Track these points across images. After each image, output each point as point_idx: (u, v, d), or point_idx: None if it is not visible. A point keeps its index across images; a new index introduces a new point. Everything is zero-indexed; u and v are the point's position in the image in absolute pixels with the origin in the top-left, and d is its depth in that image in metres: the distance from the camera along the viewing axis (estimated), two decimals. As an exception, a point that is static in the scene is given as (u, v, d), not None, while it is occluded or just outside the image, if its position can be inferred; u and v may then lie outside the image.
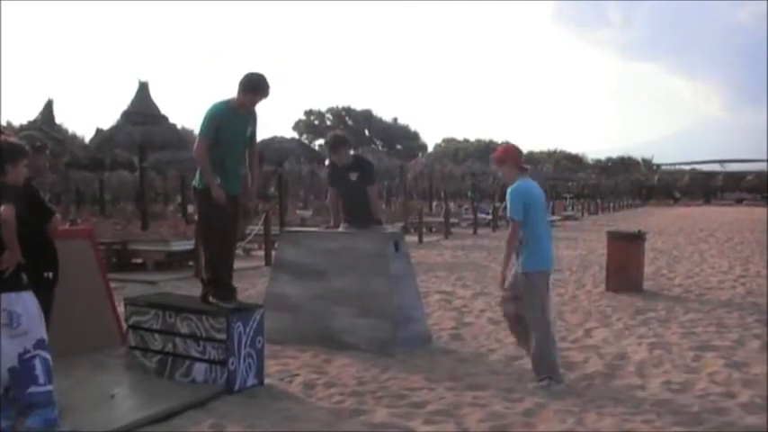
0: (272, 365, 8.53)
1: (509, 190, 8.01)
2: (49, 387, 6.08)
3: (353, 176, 10.06)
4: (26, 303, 6.02)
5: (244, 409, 7.10)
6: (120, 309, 9.79)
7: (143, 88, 21.26)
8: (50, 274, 6.70)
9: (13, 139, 6.71)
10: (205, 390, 7.45)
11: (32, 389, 6.00)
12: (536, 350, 7.88)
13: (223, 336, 7.47)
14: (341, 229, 10.05)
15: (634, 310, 12.75)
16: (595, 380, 8.31)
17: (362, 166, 10.36)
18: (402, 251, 9.84)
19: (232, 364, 7.48)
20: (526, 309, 7.90)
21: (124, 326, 8.93)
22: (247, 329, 7.66)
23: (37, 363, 6.02)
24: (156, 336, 7.96)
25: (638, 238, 15.45)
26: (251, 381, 7.73)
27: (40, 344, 6.07)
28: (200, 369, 7.66)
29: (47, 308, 6.50)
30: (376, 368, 8.63)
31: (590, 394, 7.71)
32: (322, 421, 6.75)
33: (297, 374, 8.37)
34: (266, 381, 7.98)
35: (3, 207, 5.78)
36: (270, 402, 7.33)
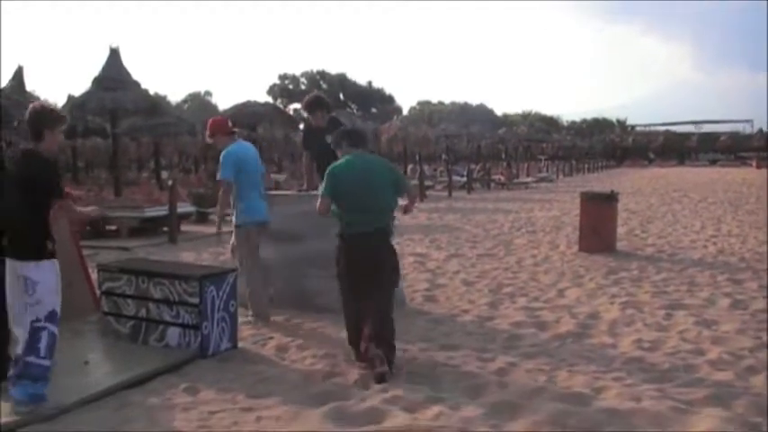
0: (246, 329, 8.57)
1: (222, 153, 9.07)
2: (48, 363, 6.04)
3: (329, 139, 9.86)
4: (44, 273, 6.00)
5: (217, 372, 7.13)
6: (94, 276, 9.78)
7: (114, 54, 21.07)
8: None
9: (51, 104, 6.54)
10: (179, 354, 7.48)
11: (31, 358, 5.96)
12: (249, 291, 9.08)
13: (196, 300, 7.48)
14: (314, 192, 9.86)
15: (607, 270, 12.88)
16: (567, 339, 8.40)
17: (337, 128, 10.16)
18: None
19: (205, 328, 7.50)
20: (238, 255, 9.17)
21: (98, 293, 8.93)
22: (220, 293, 7.67)
23: (44, 335, 5.99)
24: (130, 301, 7.96)
25: (610, 198, 15.53)
26: (224, 344, 7.76)
27: (51, 316, 6.06)
28: (173, 334, 7.68)
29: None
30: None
31: (562, 353, 7.80)
32: (294, 384, 6.78)
33: (270, 337, 8.41)
34: (240, 344, 8.01)
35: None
36: (243, 366, 7.36)
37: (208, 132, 9.43)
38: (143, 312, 7.86)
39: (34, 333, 5.95)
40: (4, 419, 5.82)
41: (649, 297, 10.58)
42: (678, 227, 20.12)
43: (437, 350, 7.89)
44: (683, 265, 13.51)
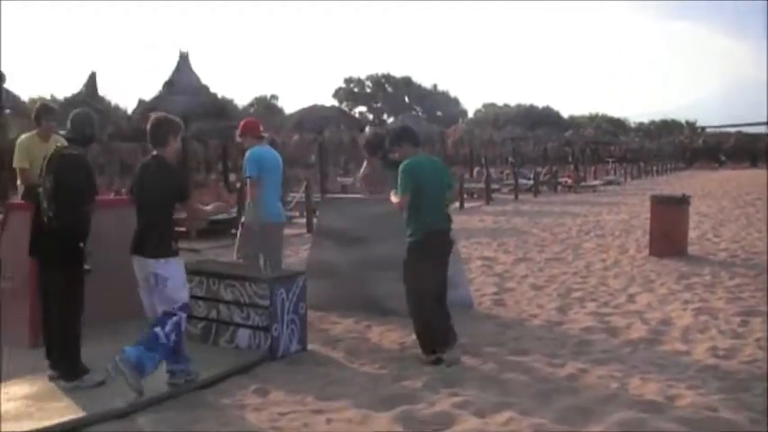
0: (315, 332, 8.57)
1: (247, 153, 9.14)
2: (168, 343, 6.42)
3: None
4: (173, 269, 6.54)
5: (287, 374, 7.16)
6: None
7: (184, 59, 21.35)
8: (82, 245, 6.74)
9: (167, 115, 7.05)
10: (249, 355, 7.53)
11: (157, 329, 6.41)
12: None
13: (266, 302, 7.52)
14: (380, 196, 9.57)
15: (678, 275, 12.65)
16: (639, 345, 8.27)
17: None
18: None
19: (275, 330, 7.54)
20: (244, 251, 9.00)
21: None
22: (290, 296, 7.70)
23: (174, 319, 6.47)
24: (201, 303, 8.03)
25: (682, 201, 15.28)
26: (294, 347, 7.79)
27: (183, 307, 6.61)
28: (243, 335, 7.74)
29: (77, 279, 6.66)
30: (418, 334, 8.64)
31: (633, 360, 7.68)
32: (364, 386, 6.78)
33: (339, 340, 8.42)
34: (309, 347, 8.03)
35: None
36: (313, 368, 7.39)
37: (239, 131, 9.43)
38: (214, 314, 7.94)
39: (165, 315, 6.47)
40: (76, 416, 5.93)
41: (723, 303, 10.36)
42: (752, 230, 19.67)
43: (507, 354, 7.83)
44: (757, 270, 13.21)
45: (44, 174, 6.73)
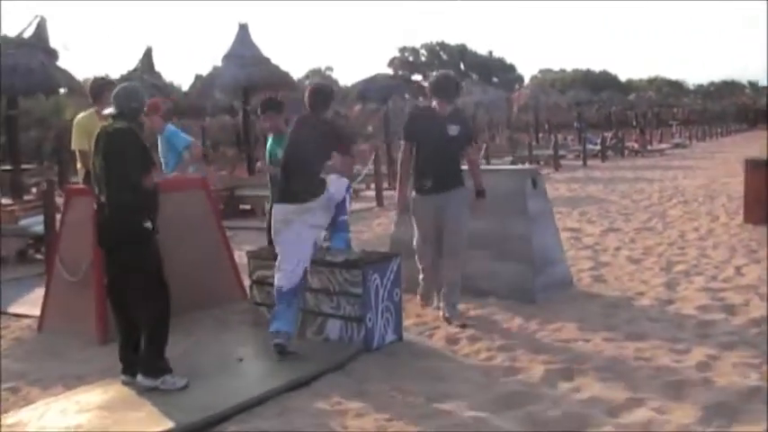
0: (406, 318, 7.78)
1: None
2: (347, 217, 7.51)
3: (453, 130, 7.86)
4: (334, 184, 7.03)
5: (386, 369, 6.47)
6: (238, 260, 9.31)
7: (243, 30, 20.72)
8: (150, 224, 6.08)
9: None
10: (342, 349, 6.84)
11: (342, 217, 7.31)
12: None
13: (359, 290, 6.82)
14: (414, 198, 8.09)
15: (781, 244, 11.78)
16: (763, 325, 7.47)
17: (463, 119, 8.31)
18: (540, 188, 9.09)
19: (369, 320, 6.84)
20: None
21: (245, 280, 8.42)
22: (384, 281, 7.01)
23: (347, 197, 7.32)
24: (284, 291, 7.34)
25: (778, 165, 14.33)
26: (389, 337, 7.10)
27: (347, 187, 7.32)
28: (333, 326, 7.06)
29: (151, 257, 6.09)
30: (519, 317, 7.94)
31: (765, 343, 6.89)
32: (475, 382, 6.09)
33: (436, 327, 7.70)
34: (404, 336, 7.34)
35: None
36: (413, 361, 6.69)
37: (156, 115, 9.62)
38: (300, 303, 7.24)
39: (342, 200, 7.19)
40: (159, 429, 5.30)
41: (841, 274, 9.53)
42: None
43: (623, 340, 7.08)
44: None
45: (93, 156, 6.17)
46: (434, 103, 8.05)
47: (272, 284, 7.38)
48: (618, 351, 6.76)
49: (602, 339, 7.11)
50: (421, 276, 8.33)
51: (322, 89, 7.54)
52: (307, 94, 7.32)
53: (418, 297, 8.46)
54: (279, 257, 6.89)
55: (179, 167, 9.70)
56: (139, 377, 6.01)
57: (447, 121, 7.87)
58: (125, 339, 6.19)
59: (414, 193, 7.99)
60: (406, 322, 7.66)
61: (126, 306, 6.16)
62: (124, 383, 6.11)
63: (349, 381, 6.22)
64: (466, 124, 8.21)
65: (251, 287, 7.92)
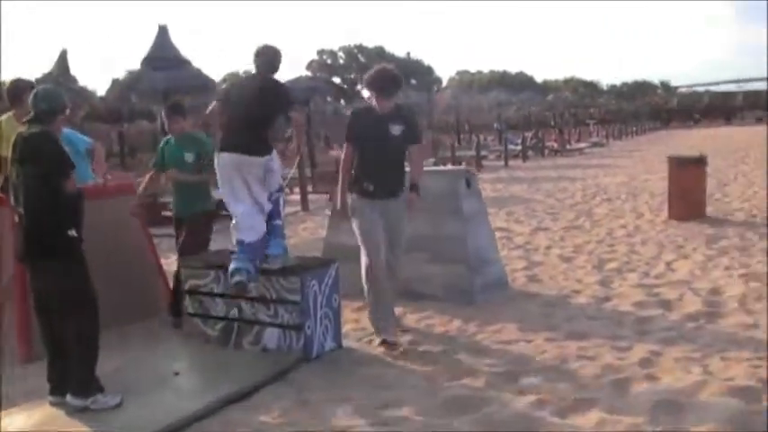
0: (343, 324, 7.62)
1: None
2: (283, 222, 7.44)
3: (396, 129, 7.21)
4: (276, 162, 7.18)
5: (328, 378, 6.30)
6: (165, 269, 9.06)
7: (162, 32, 20.38)
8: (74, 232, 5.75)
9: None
10: (281, 359, 6.62)
11: (277, 221, 7.27)
12: None
13: (297, 297, 6.62)
14: (353, 203, 7.37)
15: (706, 239, 11.96)
16: (700, 320, 7.53)
17: (407, 117, 7.49)
18: (474, 188, 9.02)
19: (308, 327, 6.66)
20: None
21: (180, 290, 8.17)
22: (323, 288, 6.83)
23: (280, 200, 7.37)
24: (218, 300, 7.12)
25: (700, 162, 14.53)
26: (329, 344, 6.92)
27: (279, 188, 7.38)
28: (271, 335, 6.83)
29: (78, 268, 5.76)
30: (458, 319, 7.85)
31: (703, 337, 6.97)
32: (420, 388, 5.96)
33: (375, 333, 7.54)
34: (344, 343, 7.18)
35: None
36: (355, 369, 6.53)
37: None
38: (235, 312, 7.02)
39: (276, 201, 7.26)
40: None
41: (767, 267, 9.64)
42: (757, 188, 18.98)
43: (564, 340, 7.02)
44: (783, 229, 12.51)
45: (9, 165, 5.82)
46: (373, 102, 7.33)
47: (204, 293, 7.20)
48: (561, 351, 6.70)
49: (544, 339, 7.05)
50: (375, 303, 7.28)
51: (266, 50, 7.27)
52: (254, 57, 7.24)
53: (375, 336, 7.32)
54: (233, 212, 7.07)
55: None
56: (69, 397, 5.71)
57: (389, 119, 7.20)
58: (53, 357, 5.87)
59: (354, 197, 7.28)
60: (344, 328, 7.49)
61: (52, 321, 5.83)
62: (52, 405, 5.79)
63: (290, 391, 6.03)
64: (410, 122, 7.39)
65: (184, 297, 7.63)
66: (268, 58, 7.22)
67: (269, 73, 7.21)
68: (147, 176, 8.62)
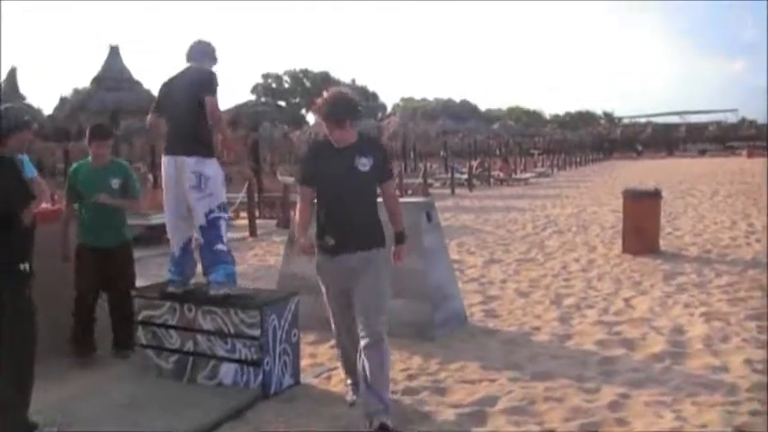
0: (303, 360, 7.37)
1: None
2: (227, 247, 6.80)
3: (364, 164, 5.87)
4: (213, 168, 6.63)
5: (286, 416, 6.03)
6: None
7: (114, 52, 20.04)
8: (27, 267, 5.40)
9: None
10: (238, 396, 6.33)
11: (218, 246, 6.67)
12: None
13: (256, 332, 6.34)
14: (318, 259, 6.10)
15: (663, 275, 11.88)
16: (666, 361, 7.40)
17: (375, 148, 6.08)
18: (434, 222, 8.80)
19: (267, 363, 6.38)
20: None
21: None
22: (282, 322, 6.55)
23: (221, 223, 6.73)
24: (173, 333, 6.80)
25: (655, 195, 14.53)
26: (287, 381, 6.65)
27: (222, 207, 6.76)
28: (228, 371, 6.55)
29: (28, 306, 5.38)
30: (418, 356, 7.63)
31: (672, 379, 6.83)
32: (384, 430, 5.70)
33: (333, 368, 7.27)
34: (302, 379, 6.92)
35: None
36: (314, 407, 6.26)
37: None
38: (190, 345, 6.71)
39: (213, 222, 6.63)
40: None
41: (727, 306, 9.60)
42: (708, 222, 19.12)
43: (529, 380, 6.82)
44: (739, 266, 12.54)
45: None
46: (330, 134, 5.89)
47: (158, 325, 6.88)
48: (526, 392, 6.50)
49: (508, 379, 6.84)
50: (341, 356, 6.66)
51: (198, 43, 7.08)
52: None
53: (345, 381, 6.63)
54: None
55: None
56: None
57: (354, 153, 5.86)
58: None
59: (317, 252, 6.03)
60: (302, 363, 7.22)
61: None
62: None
63: (247, 430, 5.76)
64: (379, 155, 5.94)
65: (136, 328, 7.24)
66: (187, 50, 7.07)
67: (188, 63, 7.02)
68: (65, 213, 7.77)
